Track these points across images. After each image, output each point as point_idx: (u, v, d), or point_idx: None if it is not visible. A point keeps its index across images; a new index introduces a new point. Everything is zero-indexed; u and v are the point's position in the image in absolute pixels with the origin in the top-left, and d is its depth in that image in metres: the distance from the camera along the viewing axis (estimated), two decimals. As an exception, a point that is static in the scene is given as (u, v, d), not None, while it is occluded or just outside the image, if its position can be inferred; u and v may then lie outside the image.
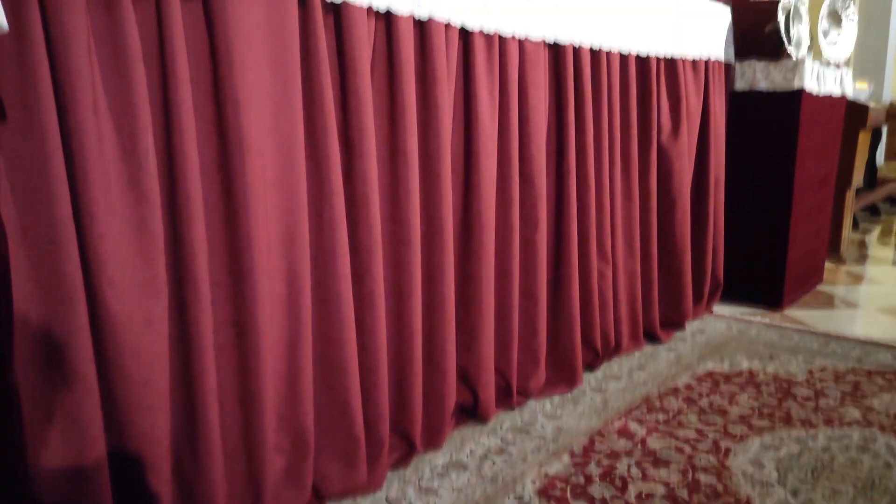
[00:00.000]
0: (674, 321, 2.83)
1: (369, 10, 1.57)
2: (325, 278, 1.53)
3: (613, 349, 2.52)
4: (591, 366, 2.41)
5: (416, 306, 1.73)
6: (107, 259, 1.15)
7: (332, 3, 1.50)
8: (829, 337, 2.80)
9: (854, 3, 3.50)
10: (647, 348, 2.64)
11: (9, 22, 1.01)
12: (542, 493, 1.63)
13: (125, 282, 1.18)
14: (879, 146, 6.08)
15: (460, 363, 1.97)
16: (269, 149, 1.39)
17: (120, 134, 1.16)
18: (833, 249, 4.13)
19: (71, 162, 1.10)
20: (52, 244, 1.08)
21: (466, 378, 1.99)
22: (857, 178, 4.17)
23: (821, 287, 3.61)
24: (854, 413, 2.08)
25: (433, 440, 1.84)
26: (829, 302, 3.36)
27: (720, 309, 3.15)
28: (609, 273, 2.42)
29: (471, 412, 2.01)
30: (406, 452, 1.78)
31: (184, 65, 1.23)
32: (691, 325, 2.90)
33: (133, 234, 1.19)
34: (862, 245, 4.79)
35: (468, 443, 1.88)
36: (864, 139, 4.15)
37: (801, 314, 3.13)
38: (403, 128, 1.66)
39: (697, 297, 2.98)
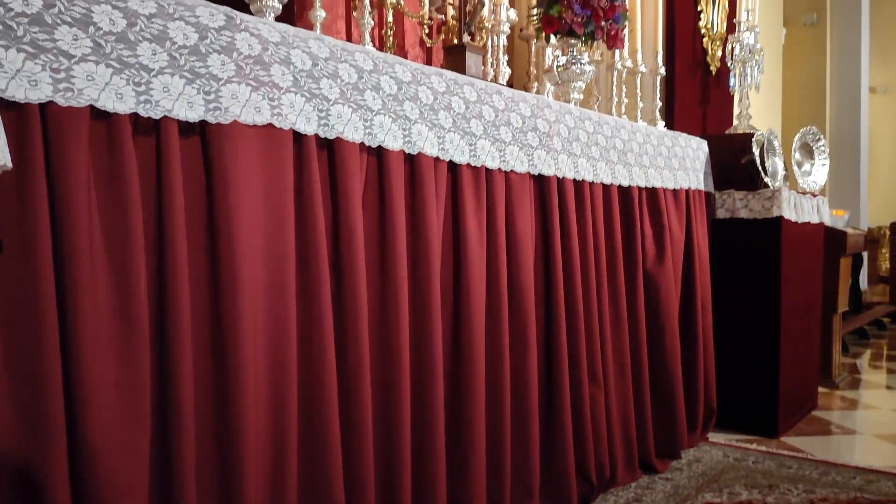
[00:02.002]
0: (669, 449, 2.76)
1: (361, 145, 1.64)
2: (312, 409, 1.51)
3: (609, 480, 2.44)
4: (586, 498, 2.33)
5: (406, 436, 1.70)
6: (92, 393, 1.13)
7: (325, 139, 1.57)
8: (828, 465, 2.74)
9: (824, 137, 3.68)
10: (644, 479, 2.56)
11: (12, 158, 1.05)
12: None
13: (108, 414, 1.15)
14: (861, 271, 6.19)
15: (451, 491, 1.90)
16: (260, 279, 1.41)
17: (114, 267, 1.18)
18: (825, 374, 4.11)
19: (63, 295, 1.11)
20: (36, 377, 1.07)
21: (457, 512, 1.92)
22: (843, 302, 4.22)
23: (816, 413, 3.56)
24: (860, 547, 2.01)
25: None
26: (825, 428, 3.31)
27: (715, 436, 3.09)
28: (601, 399, 2.39)
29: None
30: None
31: (180, 198, 1.27)
32: (687, 454, 2.83)
33: (120, 366, 1.18)
34: (854, 369, 4.77)
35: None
36: (845, 264, 4.24)
37: (797, 441, 3.07)
38: (393, 257, 1.69)
39: (692, 425, 2.93)
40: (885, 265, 7.36)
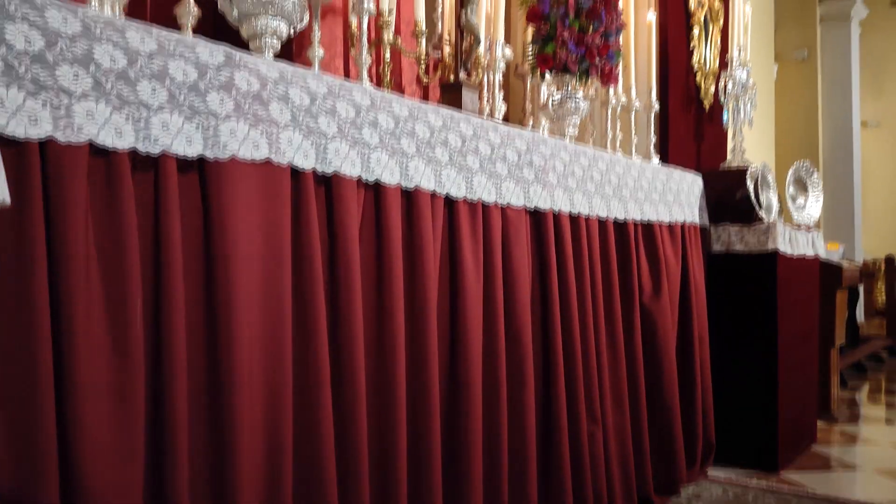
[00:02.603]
0: (668, 485, 2.74)
1: (359, 180, 1.65)
2: (308, 448, 1.49)
3: (607, 517, 2.41)
4: (584, 536, 2.29)
5: (402, 473, 1.68)
6: (85, 428, 1.12)
7: (323, 175, 1.58)
8: (829, 501, 2.71)
9: (818, 171, 3.72)
10: (643, 516, 2.53)
11: (11, 194, 1.05)
12: None
13: (101, 449, 1.14)
14: (858, 304, 6.20)
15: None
16: (256, 315, 1.40)
17: (110, 304, 1.18)
18: (824, 408, 4.09)
19: (59, 332, 1.11)
20: (30, 414, 1.06)
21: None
22: (840, 335, 4.22)
23: (815, 447, 3.54)
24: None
25: None
26: (825, 463, 3.28)
27: (715, 471, 3.06)
28: (599, 435, 2.37)
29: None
30: None
31: (177, 234, 1.27)
32: (686, 490, 2.80)
33: (114, 400, 1.17)
34: (852, 403, 4.75)
35: None
36: (841, 298, 4.24)
37: (798, 477, 3.04)
38: (390, 291, 1.69)
39: (691, 460, 2.91)
40: (881, 298, 7.37)
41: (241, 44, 1.67)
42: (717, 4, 4.01)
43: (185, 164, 1.32)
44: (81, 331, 1.13)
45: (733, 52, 3.64)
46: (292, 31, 1.79)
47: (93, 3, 1.47)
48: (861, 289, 6.32)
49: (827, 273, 4.08)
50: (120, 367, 1.18)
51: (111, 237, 1.19)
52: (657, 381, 2.73)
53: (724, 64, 3.85)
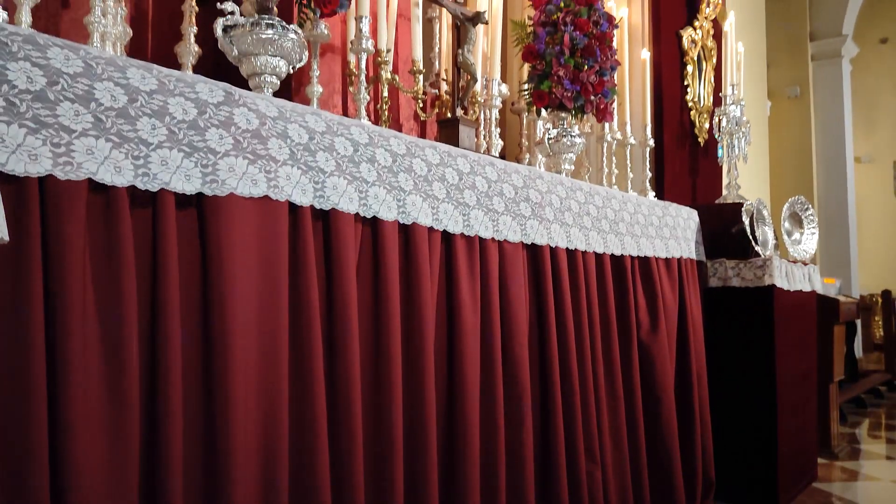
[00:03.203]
0: (668, 524, 2.70)
1: (356, 216, 1.66)
2: (305, 487, 1.47)
3: (607, 557, 2.37)
4: (584, 576, 2.25)
5: (399, 512, 1.66)
6: (78, 465, 1.11)
7: (320, 210, 1.59)
8: (831, 540, 2.67)
9: (812, 206, 3.74)
10: (643, 555, 2.49)
11: (10, 231, 1.05)
12: None
13: (95, 493, 1.13)
14: (856, 338, 6.19)
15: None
16: (252, 352, 1.40)
17: (106, 340, 1.18)
18: (824, 445, 4.06)
19: (54, 369, 1.10)
20: (22, 454, 1.05)
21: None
22: (839, 371, 4.20)
23: (816, 484, 3.50)
24: None
25: None
26: (826, 501, 3.24)
27: (715, 510, 3.02)
28: (598, 474, 2.35)
29: None
30: None
31: (174, 270, 1.27)
32: (687, 529, 2.76)
33: (109, 439, 1.16)
34: (853, 439, 4.71)
35: None
36: (839, 332, 4.23)
37: (799, 515, 3.00)
38: (387, 327, 1.68)
39: (690, 498, 2.87)
40: (878, 332, 7.36)
41: (241, 81, 1.69)
42: (711, 43, 4.08)
43: (183, 200, 1.33)
44: (77, 368, 1.12)
45: (727, 90, 3.69)
46: (291, 68, 1.81)
47: (95, 42, 1.49)
48: (858, 323, 6.31)
49: (824, 308, 4.08)
50: (115, 404, 1.17)
51: (108, 274, 1.19)
52: (656, 418, 2.71)
53: (717, 101, 3.90)
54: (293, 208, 1.52)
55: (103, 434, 1.16)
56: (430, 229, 1.85)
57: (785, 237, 3.51)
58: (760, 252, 3.21)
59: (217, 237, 1.35)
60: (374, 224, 1.71)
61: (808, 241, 3.62)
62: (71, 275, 1.12)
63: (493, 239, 2.04)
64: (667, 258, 2.88)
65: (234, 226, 1.37)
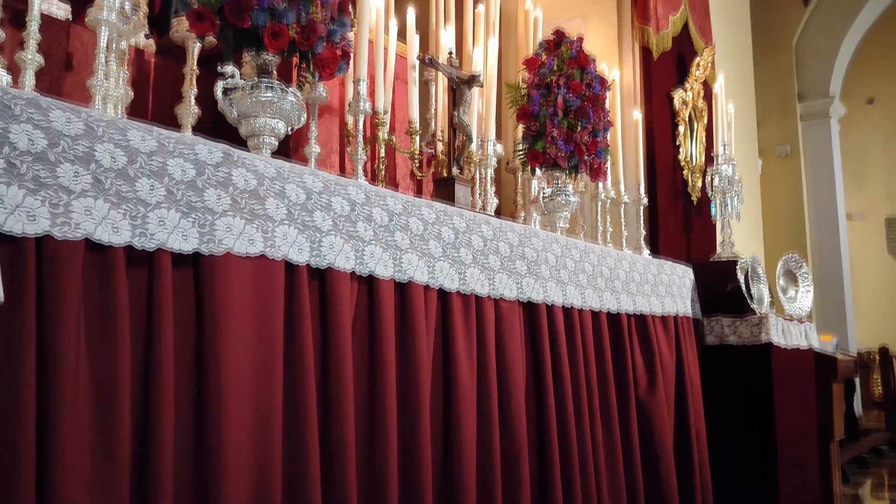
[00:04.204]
0: (671, 590, 2.62)
1: (352, 274, 1.66)
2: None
3: None
4: None
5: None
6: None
7: (317, 269, 1.59)
8: None
9: (806, 263, 3.76)
10: None
11: (5, 291, 1.05)
12: None
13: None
14: (855, 396, 6.14)
15: None
16: (246, 413, 1.38)
17: (98, 400, 1.16)
18: (827, 506, 3.98)
19: (44, 430, 1.08)
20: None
21: None
22: (839, 430, 4.15)
23: (821, 548, 3.42)
24: None
25: None
26: (832, 565, 3.16)
27: (718, 575, 2.94)
28: (597, 536, 2.30)
29: None
30: None
31: (169, 330, 1.26)
32: None
33: (97, 502, 1.13)
34: (856, 500, 4.62)
35: None
36: (838, 390, 4.20)
37: (804, 580, 2.92)
38: (382, 386, 1.67)
39: (693, 562, 2.80)
40: (877, 390, 7.30)
41: (240, 141, 1.72)
42: (701, 103, 4.16)
43: (179, 259, 1.33)
44: (67, 429, 1.10)
45: (718, 149, 3.75)
46: (290, 129, 1.84)
47: (97, 104, 1.52)
48: (857, 381, 6.26)
49: (822, 365, 4.05)
50: (105, 467, 1.15)
51: (102, 333, 1.19)
52: (655, 476, 2.67)
53: (709, 159, 3.96)
54: (289, 267, 1.52)
55: (92, 498, 1.13)
56: (427, 287, 1.85)
57: (780, 294, 3.52)
58: (756, 309, 3.21)
59: (212, 296, 1.34)
60: (370, 282, 1.71)
61: (803, 299, 3.63)
62: (65, 334, 1.12)
63: (489, 296, 2.04)
64: (663, 316, 2.88)
65: (230, 284, 1.37)
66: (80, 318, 1.15)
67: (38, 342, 1.10)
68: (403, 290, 1.79)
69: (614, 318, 2.63)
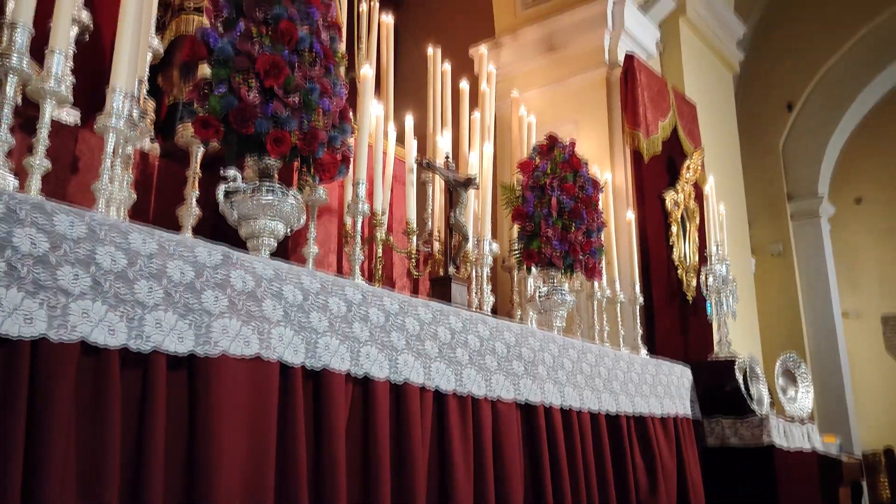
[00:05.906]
0: None
1: (347, 374, 1.65)
2: None
3: None
4: None
5: None
6: None
7: (311, 370, 1.58)
8: None
9: (805, 362, 3.74)
10: None
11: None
12: None
13: None
14: (862, 500, 5.95)
15: None
16: (236, 518, 1.34)
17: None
18: None
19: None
20: None
21: None
22: (849, 536, 4.01)
23: None
24: None
25: None
26: None
27: None
28: None
29: None
30: None
31: (161, 432, 1.24)
32: None
33: None
34: None
35: None
36: (845, 495, 4.09)
37: None
38: (377, 489, 1.63)
39: None
40: (885, 493, 7.09)
41: (240, 242, 1.74)
42: (693, 204, 4.25)
43: (174, 361, 1.32)
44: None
45: (711, 248, 3.80)
46: (289, 230, 1.86)
47: (100, 207, 1.55)
48: (864, 484, 6.09)
49: (826, 468, 3.96)
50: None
51: (93, 435, 1.17)
52: (660, 589, 2.56)
53: (703, 259, 4.00)
54: (284, 368, 1.51)
55: None
56: (422, 388, 1.83)
57: (780, 395, 3.48)
58: (756, 410, 3.17)
59: (206, 397, 1.33)
60: (365, 383, 1.69)
61: (803, 399, 3.59)
62: (55, 436, 1.10)
63: (485, 398, 2.02)
64: (662, 416, 2.83)
65: (224, 385, 1.36)
66: (71, 419, 1.14)
67: (27, 442, 1.08)
68: (399, 391, 1.77)
69: (613, 420, 2.59)
